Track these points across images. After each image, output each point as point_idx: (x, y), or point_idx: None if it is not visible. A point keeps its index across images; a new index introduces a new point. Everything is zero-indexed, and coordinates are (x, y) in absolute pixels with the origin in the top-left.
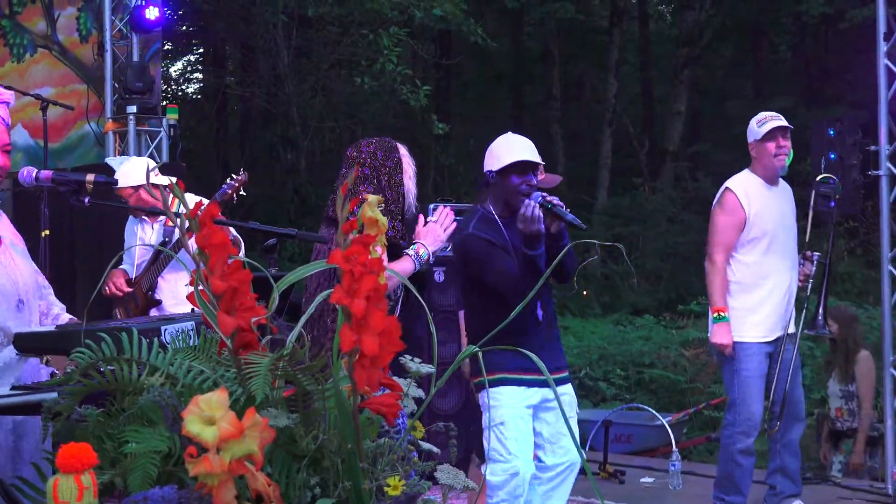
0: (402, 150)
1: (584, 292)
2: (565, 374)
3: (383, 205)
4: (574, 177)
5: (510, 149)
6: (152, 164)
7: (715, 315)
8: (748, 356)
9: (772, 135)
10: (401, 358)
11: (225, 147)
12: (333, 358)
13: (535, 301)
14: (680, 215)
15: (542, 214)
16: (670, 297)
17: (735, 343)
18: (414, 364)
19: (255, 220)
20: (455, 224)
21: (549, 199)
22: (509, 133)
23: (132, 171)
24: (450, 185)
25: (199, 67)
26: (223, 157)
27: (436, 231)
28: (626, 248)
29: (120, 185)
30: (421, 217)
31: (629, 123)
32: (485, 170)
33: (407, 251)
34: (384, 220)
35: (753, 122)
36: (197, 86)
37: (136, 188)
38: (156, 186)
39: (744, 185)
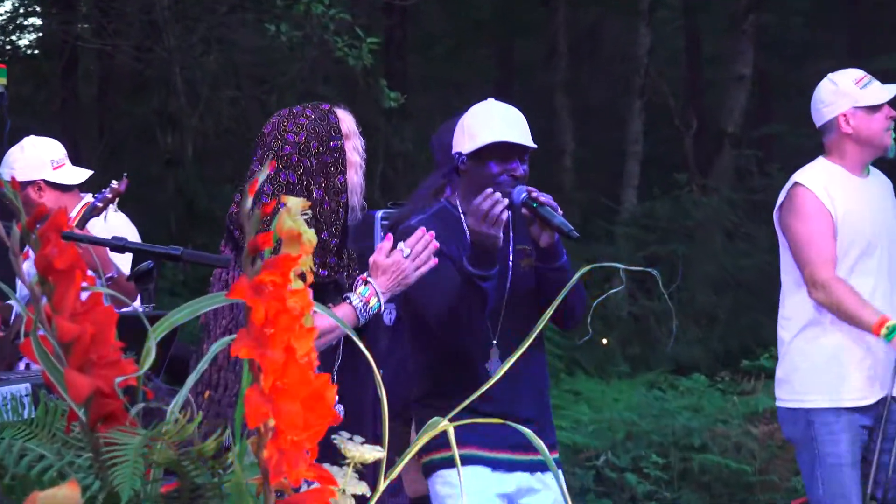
0: (346, 123)
1: (604, 341)
2: (555, 456)
3: (309, 212)
4: (588, 170)
5: (489, 123)
6: (57, 152)
7: (885, 331)
8: (834, 433)
9: (878, 102)
10: (334, 436)
11: (75, 125)
12: (236, 436)
13: (485, 344)
14: (744, 226)
15: (505, 216)
16: (730, 348)
17: (811, 413)
18: (355, 445)
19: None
20: (436, 260)
21: (536, 194)
22: (490, 101)
23: (23, 159)
24: (405, 181)
25: (37, 10)
26: (72, 139)
27: (401, 267)
28: (665, 276)
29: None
30: (388, 238)
31: (668, 93)
32: (453, 150)
33: (349, 295)
34: (311, 235)
35: (846, 81)
36: (33, 36)
37: (26, 185)
38: (54, 186)
39: (822, 179)
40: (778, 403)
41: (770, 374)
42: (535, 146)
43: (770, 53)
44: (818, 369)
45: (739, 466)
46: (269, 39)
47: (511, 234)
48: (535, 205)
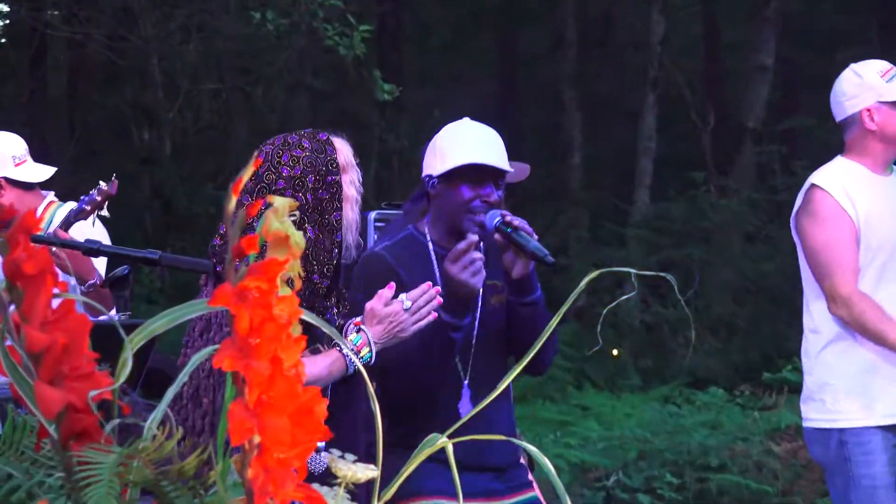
0: (344, 154)
1: (615, 352)
2: (530, 494)
3: (297, 213)
4: (598, 168)
5: (462, 144)
6: (18, 147)
7: None
8: (869, 453)
9: None
10: (325, 453)
11: (43, 119)
12: (218, 454)
13: (456, 385)
14: (765, 230)
15: (481, 263)
16: (750, 360)
17: (844, 433)
18: (346, 464)
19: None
20: (435, 315)
21: (510, 218)
22: (465, 121)
23: None
24: (400, 180)
25: None
26: (41, 134)
27: (399, 319)
28: (680, 282)
29: None
30: (390, 287)
31: (684, 85)
32: (424, 174)
33: (339, 342)
34: (299, 237)
35: (871, 73)
36: (0, 24)
37: None
38: (16, 184)
39: (840, 180)
40: (805, 424)
41: (794, 388)
42: (511, 170)
43: (794, 41)
44: (849, 385)
45: (761, 487)
46: (254, 27)
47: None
48: (508, 229)
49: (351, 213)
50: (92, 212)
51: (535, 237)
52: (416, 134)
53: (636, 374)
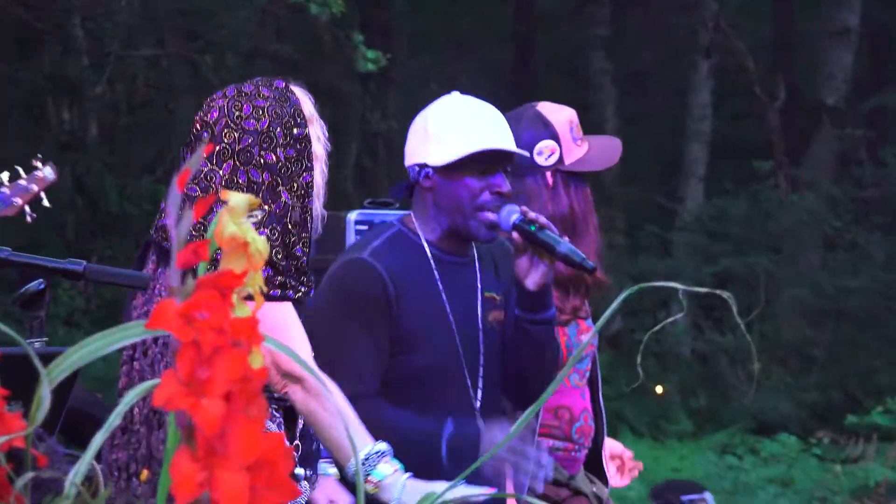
0: (307, 106)
1: (659, 388)
2: None
3: (259, 214)
4: (637, 156)
5: (465, 126)
6: None
7: None
8: None
9: None
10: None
11: None
12: None
13: (469, 409)
14: (849, 234)
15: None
16: (830, 400)
17: None
18: None
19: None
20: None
21: (532, 216)
22: (456, 95)
23: None
24: (388, 171)
25: None
26: None
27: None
28: (741, 301)
29: None
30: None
31: (746, 52)
32: (410, 162)
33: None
34: (261, 244)
35: None
36: None
37: None
38: None
39: None
40: None
41: (887, 435)
42: (526, 153)
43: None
44: None
45: None
46: None
47: (478, 276)
48: (532, 227)
49: (319, 176)
50: (24, 205)
51: (565, 237)
52: (406, 113)
53: (686, 417)
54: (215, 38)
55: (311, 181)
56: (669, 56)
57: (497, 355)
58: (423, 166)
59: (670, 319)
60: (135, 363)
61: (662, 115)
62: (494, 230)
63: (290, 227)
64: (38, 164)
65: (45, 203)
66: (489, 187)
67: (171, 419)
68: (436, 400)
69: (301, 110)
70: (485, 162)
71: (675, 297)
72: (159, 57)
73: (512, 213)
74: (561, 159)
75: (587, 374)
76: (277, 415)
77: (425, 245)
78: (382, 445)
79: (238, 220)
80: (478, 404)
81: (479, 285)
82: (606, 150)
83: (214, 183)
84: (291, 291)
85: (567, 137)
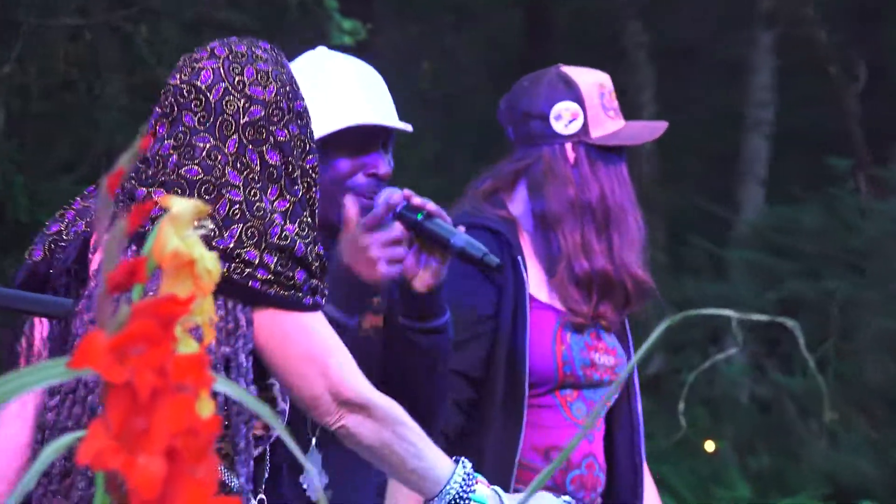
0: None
1: (709, 444)
2: None
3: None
4: (681, 151)
5: (334, 93)
6: None
7: None
8: None
9: None
10: None
11: None
12: None
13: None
14: None
15: (404, 252)
16: None
17: None
18: None
19: None
20: None
21: (417, 201)
22: (322, 51)
23: None
24: None
25: None
26: None
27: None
28: (812, 333)
29: None
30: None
31: (817, 22)
32: None
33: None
34: (210, 262)
35: None
36: None
37: None
38: None
39: None
40: None
41: None
42: (407, 127)
43: None
44: None
45: None
46: None
47: None
48: (418, 216)
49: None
50: None
51: (461, 228)
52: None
53: (743, 480)
54: (151, 5)
55: (316, 165)
56: (722, 26)
57: (369, 370)
58: None
59: (722, 355)
60: (48, 413)
61: (713, 100)
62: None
63: (315, 218)
64: None
65: None
66: (362, 168)
67: (99, 481)
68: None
69: (295, 78)
70: (359, 139)
71: (730, 329)
72: (82, 28)
73: (395, 202)
74: (586, 129)
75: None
76: (243, 469)
77: None
78: (468, 464)
79: (183, 232)
80: (314, 436)
81: None
82: (647, 127)
83: (220, 163)
84: (320, 297)
85: (595, 104)
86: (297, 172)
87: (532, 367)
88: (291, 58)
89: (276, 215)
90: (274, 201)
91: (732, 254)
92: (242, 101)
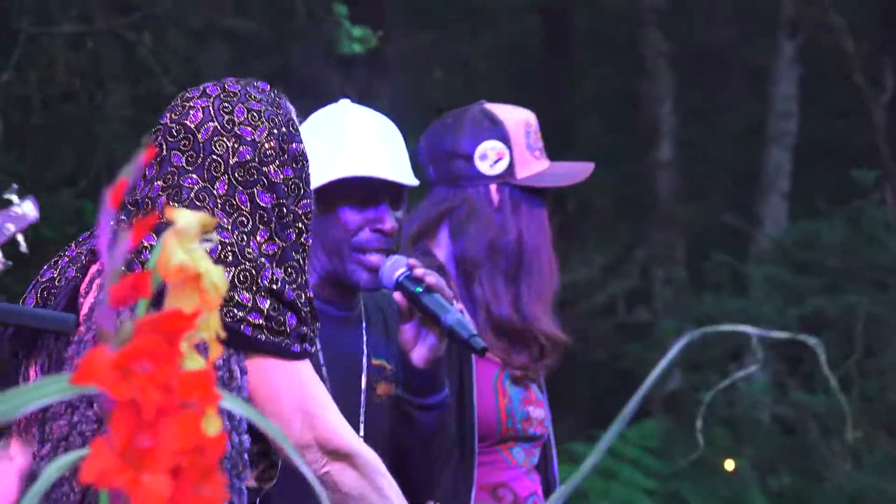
0: (294, 114)
1: (729, 464)
2: None
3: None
4: (701, 163)
5: (343, 144)
6: None
7: None
8: None
9: None
10: None
11: None
12: None
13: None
14: None
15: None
16: None
17: None
18: None
19: None
20: None
21: (420, 273)
22: (345, 104)
23: None
24: None
25: None
26: None
27: None
28: (835, 350)
29: None
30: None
31: (845, 30)
32: None
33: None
34: (217, 276)
35: None
36: None
37: None
38: None
39: None
40: None
41: None
42: (415, 183)
43: None
44: None
45: None
46: None
47: (364, 337)
48: (417, 289)
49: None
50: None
51: (458, 305)
52: (403, 108)
53: (764, 500)
54: (156, 11)
55: (310, 211)
56: (744, 34)
57: (382, 436)
58: None
59: (742, 373)
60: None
61: (734, 110)
62: (374, 281)
63: (305, 263)
64: (14, 198)
65: (23, 247)
66: (369, 223)
67: (104, 501)
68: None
69: (293, 120)
70: (363, 191)
71: (750, 347)
72: (83, 35)
73: (397, 267)
74: (511, 169)
75: (535, 457)
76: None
77: None
78: None
79: (187, 245)
80: None
81: (365, 349)
82: (573, 168)
83: (208, 205)
84: (309, 345)
85: (521, 143)
86: (290, 217)
87: (478, 421)
88: (295, 68)
89: (264, 259)
90: (262, 244)
91: (754, 269)
92: (231, 140)
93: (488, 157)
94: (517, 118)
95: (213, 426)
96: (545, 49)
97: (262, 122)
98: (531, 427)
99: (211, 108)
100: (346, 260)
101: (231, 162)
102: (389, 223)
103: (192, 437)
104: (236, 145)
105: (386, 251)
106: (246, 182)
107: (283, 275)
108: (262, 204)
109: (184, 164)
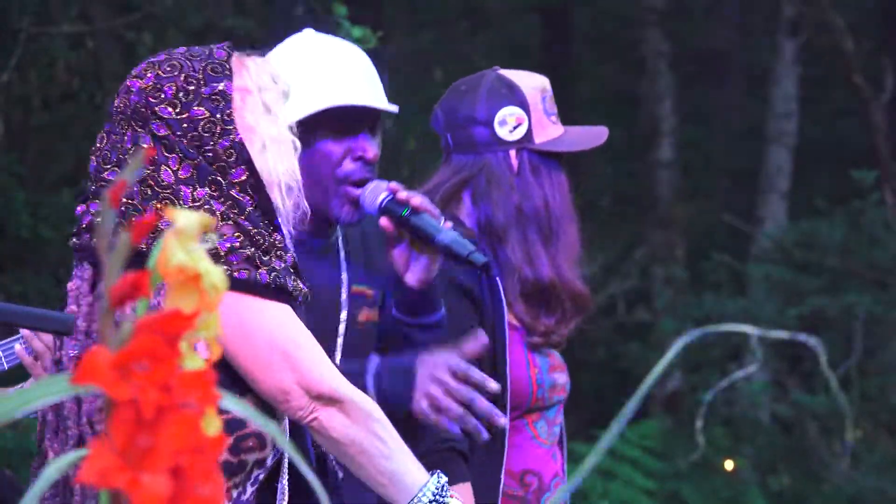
0: (253, 69)
1: (728, 464)
2: None
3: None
4: (701, 165)
5: (319, 73)
6: None
7: None
8: None
9: None
10: None
11: None
12: None
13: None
14: None
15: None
16: None
17: None
18: None
19: None
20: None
21: (405, 195)
22: (309, 34)
23: None
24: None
25: None
26: None
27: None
28: (835, 351)
29: None
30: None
31: (845, 30)
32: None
33: None
34: (217, 276)
35: None
36: None
37: None
38: None
39: None
40: None
41: None
42: (394, 109)
43: None
44: None
45: None
46: None
47: (343, 264)
48: (404, 212)
49: (274, 153)
50: None
51: (448, 223)
52: (403, 106)
53: (763, 500)
54: (156, 11)
55: (233, 146)
56: (744, 34)
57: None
58: None
59: (742, 373)
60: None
61: (734, 110)
62: (356, 210)
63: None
64: None
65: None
66: (349, 152)
67: (104, 501)
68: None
69: (220, 64)
70: (346, 119)
71: (750, 347)
72: (83, 35)
73: (379, 192)
74: (530, 135)
75: (560, 430)
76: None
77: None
78: (443, 478)
79: (187, 242)
80: None
81: (343, 277)
82: (589, 133)
83: (122, 156)
84: (280, 278)
85: (538, 108)
86: (200, 142)
87: (510, 392)
88: None
89: (181, 185)
90: (177, 171)
91: (754, 269)
92: (123, 96)
93: (507, 123)
94: (533, 84)
95: (212, 426)
96: (545, 49)
97: (149, 72)
98: (556, 394)
99: (145, 69)
100: (331, 194)
101: (129, 113)
102: (372, 151)
103: (192, 437)
104: (127, 97)
105: (368, 180)
106: (144, 124)
107: (208, 192)
108: (160, 134)
109: (114, 129)
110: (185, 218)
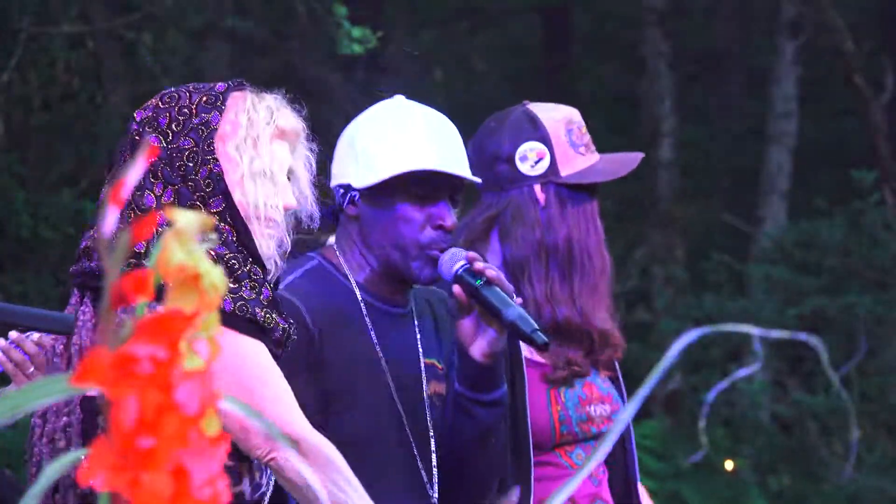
0: (248, 107)
1: (729, 464)
2: None
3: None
4: (700, 165)
5: (402, 139)
6: None
7: None
8: None
9: None
10: None
11: None
12: None
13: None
14: None
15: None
16: None
17: None
18: None
19: None
20: None
21: (480, 266)
22: (399, 100)
23: None
24: None
25: None
26: None
27: None
28: (836, 351)
29: None
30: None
31: (845, 31)
32: (335, 183)
33: None
34: (217, 277)
35: None
36: None
37: None
38: None
39: None
40: None
41: None
42: (477, 180)
43: None
44: None
45: None
46: None
47: (417, 334)
48: (478, 282)
49: (255, 187)
50: None
51: (518, 299)
52: None
53: (763, 501)
54: (155, 11)
55: (212, 176)
56: (744, 34)
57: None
58: (347, 188)
59: (742, 373)
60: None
61: (734, 111)
62: (433, 275)
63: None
64: None
65: None
66: (430, 219)
67: (104, 502)
68: (382, 476)
69: (218, 94)
70: (426, 186)
71: (751, 347)
72: (83, 35)
73: (456, 260)
74: (554, 168)
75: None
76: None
77: (354, 286)
78: None
79: (187, 242)
80: (434, 495)
81: (419, 347)
82: (621, 160)
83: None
84: (254, 314)
85: (562, 141)
86: (184, 171)
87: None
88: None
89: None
90: (160, 197)
91: (754, 269)
92: (129, 125)
93: (528, 159)
94: (557, 117)
95: (212, 426)
96: (545, 49)
97: (152, 103)
98: (593, 426)
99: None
100: (412, 258)
101: (128, 142)
102: (450, 220)
103: (192, 437)
104: (130, 126)
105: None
106: (132, 151)
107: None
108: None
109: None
110: (185, 218)
